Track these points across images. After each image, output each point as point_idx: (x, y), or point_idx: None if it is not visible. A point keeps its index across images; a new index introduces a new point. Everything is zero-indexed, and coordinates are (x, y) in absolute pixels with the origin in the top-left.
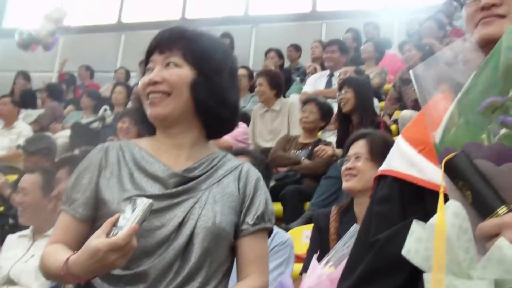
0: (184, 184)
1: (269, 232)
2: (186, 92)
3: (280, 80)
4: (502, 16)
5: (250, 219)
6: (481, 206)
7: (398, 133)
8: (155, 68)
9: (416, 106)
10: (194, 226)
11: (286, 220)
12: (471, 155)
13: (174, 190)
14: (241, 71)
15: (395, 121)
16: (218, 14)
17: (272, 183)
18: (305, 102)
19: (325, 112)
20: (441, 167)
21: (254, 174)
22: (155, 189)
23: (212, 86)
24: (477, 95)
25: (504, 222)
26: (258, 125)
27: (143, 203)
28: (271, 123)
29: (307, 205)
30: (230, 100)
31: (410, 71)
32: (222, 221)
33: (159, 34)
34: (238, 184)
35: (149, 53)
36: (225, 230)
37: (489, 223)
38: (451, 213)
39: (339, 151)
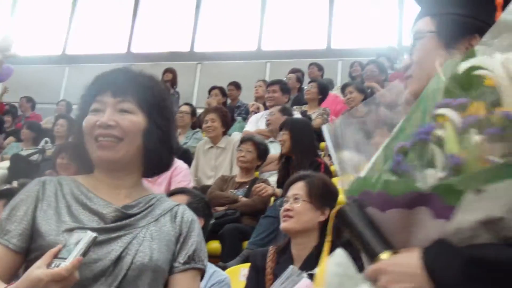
0: (122, 220)
1: (202, 272)
2: (138, 139)
3: (229, 118)
4: (411, 76)
5: (181, 258)
6: (367, 252)
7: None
8: (106, 110)
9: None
10: (131, 262)
11: (224, 258)
12: (365, 202)
13: (112, 224)
14: (184, 108)
15: None
16: (164, 49)
17: (212, 221)
18: (242, 141)
19: (261, 152)
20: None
21: (190, 215)
22: (93, 222)
23: (162, 134)
24: (404, 139)
25: (379, 268)
26: (201, 161)
27: (87, 236)
28: (215, 160)
29: (246, 243)
30: (174, 145)
31: (323, 126)
32: (158, 259)
33: (111, 75)
34: (174, 224)
35: (97, 91)
36: (161, 267)
37: (370, 269)
38: (334, 262)
39: (279, 191)
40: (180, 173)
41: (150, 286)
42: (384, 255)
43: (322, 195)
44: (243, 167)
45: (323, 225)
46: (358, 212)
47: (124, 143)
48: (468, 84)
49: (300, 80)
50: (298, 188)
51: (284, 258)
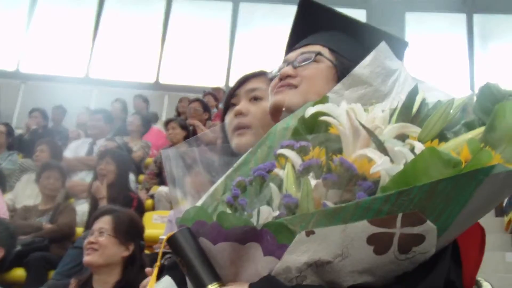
0: None
1: None
2: None
3: (60, 150)
4: (293, 86)
5: None
6: (194, 282)
7: (153, 208)
8: None
9: None
10: None
11: (29, 287)
12: (198, 233)
13: None
14: (0, 128)
15: (152, 196)
16: None
17: (17, 248)
18: (47, 168)
19: (65, 179)
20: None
21: None
22: None
23: None
24: (248, 172)
25: None
26: (22, 189)
27: None
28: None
29: (52, 273)
30: None
31: (161, 151)
32: None
33: None
34: None
35: None
36: None
37: None
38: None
39: None
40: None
41: None
42: (214, 286)
43: (128, 230)
44: (48, 194)
45: (127, 260)
46: (190, 240)
47: None
48: (313, 129)
49: (125, 111)
50: (104, 222)
51: None
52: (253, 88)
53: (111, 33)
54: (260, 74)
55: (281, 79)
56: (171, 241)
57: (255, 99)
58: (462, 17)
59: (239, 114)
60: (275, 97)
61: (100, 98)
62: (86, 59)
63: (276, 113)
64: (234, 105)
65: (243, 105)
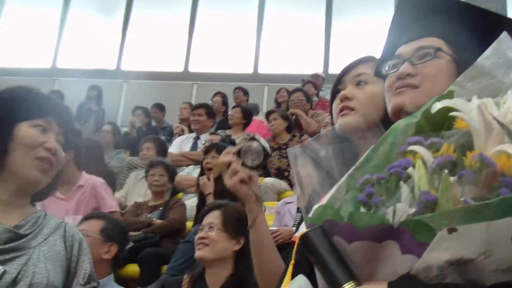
0: (14, 241)
1: None
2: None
3: (165, 148)
4: (415, 86)
5: (81, 279)
6: (329, 281)
7: None
8: (50, 135)
9: (279, 174)
10: (29, 284)
11: (143, 282)
12: (330, 232)
13: (6, 246)
14: (106, 127)
15: None
16: (89, 66)
17: (129, 245)
18: (152, 165)
19: (172, 174)
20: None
21: (78, 235)
22: None
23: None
24: (371, 170)
25: None
26: (131, 188)
27: None
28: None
29: (165, 268)
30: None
31: (288, 150)
32: (55, 280)
33: (55, 103)
34: (65, 243)
35: (41, 111)
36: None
37: None
38: (296, 286)
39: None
40: (104, 191)
41: None
42: (350, 285)
43: (237, 224)
44: (156, 191)
45: (238, 254)
46: (323, 239)
47: (53, 171)
48: (440, 124)
49: (225, 104)
50: (213, 217)
51: (199, 286)
52: (358, 73)
53: (207, 27)
54: (366, 60)
55: (399, 78)
56: (304, 239)
57: (360, 83)
58: None
59: (345, 98)
60: (396, 98)
61: (200, 92)
62: (184, 54)
63: (398, 114)
64: (341, 91)
65: (348, 90)
